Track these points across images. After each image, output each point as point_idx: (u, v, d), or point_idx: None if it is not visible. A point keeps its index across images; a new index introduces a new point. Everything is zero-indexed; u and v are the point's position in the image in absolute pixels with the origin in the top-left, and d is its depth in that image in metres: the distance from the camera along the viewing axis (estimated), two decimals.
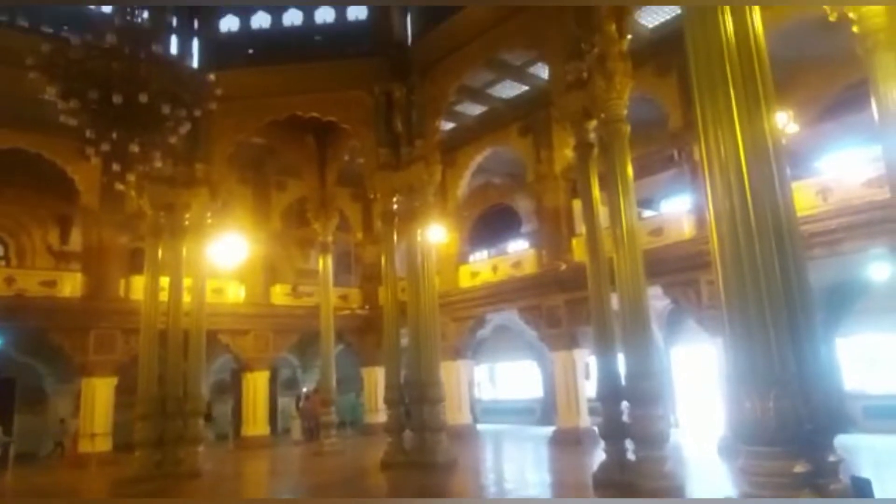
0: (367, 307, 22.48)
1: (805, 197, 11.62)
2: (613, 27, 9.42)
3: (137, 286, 16.37)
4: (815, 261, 11.35)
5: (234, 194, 18.59)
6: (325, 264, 18.10)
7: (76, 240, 20.21)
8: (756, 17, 5.06)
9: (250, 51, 15.67)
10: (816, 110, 14.63)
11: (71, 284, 17.44)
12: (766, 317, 4.43)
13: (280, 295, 21.23)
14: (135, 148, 7.22)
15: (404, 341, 13.81)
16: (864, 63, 8.07)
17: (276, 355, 21.02)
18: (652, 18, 13.99)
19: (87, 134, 7.23)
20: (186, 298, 14.03)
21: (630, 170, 9.55)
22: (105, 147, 7.11)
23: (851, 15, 8.06)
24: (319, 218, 18.10)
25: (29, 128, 15.57)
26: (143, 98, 6.87)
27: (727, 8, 5.02)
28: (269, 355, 20.52)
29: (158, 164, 8.32)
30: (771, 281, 4.48)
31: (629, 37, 9.86)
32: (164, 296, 13.78)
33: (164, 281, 13.88)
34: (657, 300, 14.39)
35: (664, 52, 13.58)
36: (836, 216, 11.47)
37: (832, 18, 8.38)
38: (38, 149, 16.36)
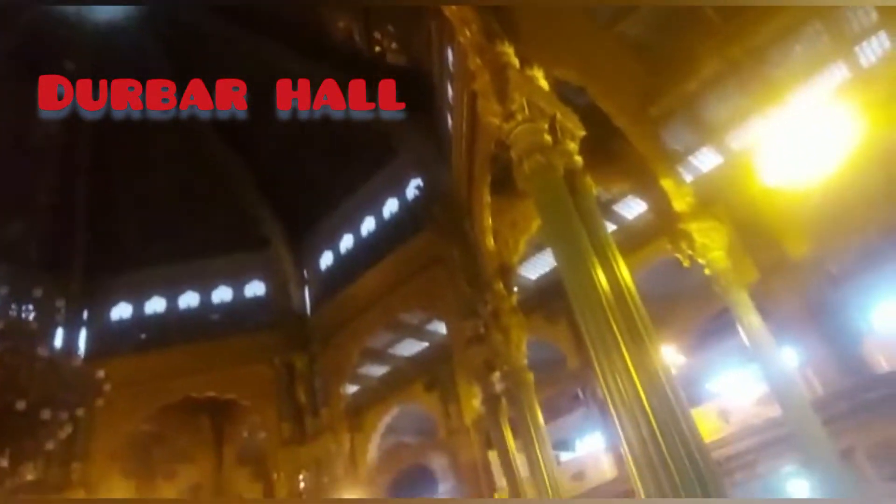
0: None
1: (709, 420, 11.94)
2: (501, 285, 10.12)
3: None
4: (738, 486, 11.33)
5: (114, 491, 16.47)
6: None
7: None
8: (621, 264, 5.62)
9: (143, 335, 15.31)
10: (694, 337, 15.80)
11: None
12: None
13: None
14: (3, 462, 6.21)
15: None
16: (724, 298, 9.25)
17: None
18: (534, 271, 15.32)
19: None
20: None
21: (540, 416, 9.52)
22: None
23: (701, 260, 9.29)
24: None
25: None
26: (21, 406, 6.12)
27: (595, 260, 5.53)
28: None
29: (30, 476, 7.21)
30: None
31: (516, 289, 10.61)
32: None
33: None
34: None
35: (550, 299, 14.59)
36: (743, 437, 11.72)
37: (686, 265, 9.52)
38: None
